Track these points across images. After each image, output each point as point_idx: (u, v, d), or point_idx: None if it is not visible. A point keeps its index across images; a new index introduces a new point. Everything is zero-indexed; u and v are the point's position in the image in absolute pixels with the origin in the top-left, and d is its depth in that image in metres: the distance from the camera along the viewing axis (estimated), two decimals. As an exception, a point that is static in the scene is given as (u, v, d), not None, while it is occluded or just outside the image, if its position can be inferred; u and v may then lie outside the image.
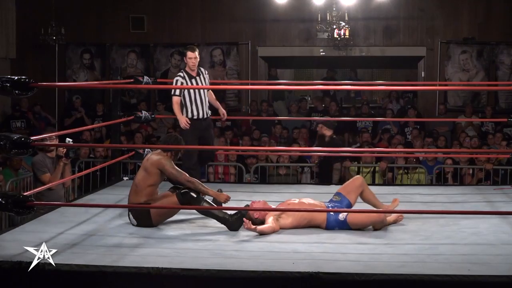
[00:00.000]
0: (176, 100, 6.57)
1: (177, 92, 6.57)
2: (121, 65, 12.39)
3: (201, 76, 6.64)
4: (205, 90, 6.64)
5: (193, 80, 6.58)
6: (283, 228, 5.13)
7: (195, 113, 6.59)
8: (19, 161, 8.50)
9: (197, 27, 12.68)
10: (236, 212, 5.17)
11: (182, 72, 6.63)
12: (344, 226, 5.12)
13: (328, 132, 7.58)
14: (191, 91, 6.57)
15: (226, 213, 5.18)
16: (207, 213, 5.23)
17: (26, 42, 12.51)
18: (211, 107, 6.85)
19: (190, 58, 6.57)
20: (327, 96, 12.50)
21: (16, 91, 4.37)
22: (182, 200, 5.15)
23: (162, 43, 12.78)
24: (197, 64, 6.62)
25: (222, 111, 6.93)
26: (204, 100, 6.63)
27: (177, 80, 6.58)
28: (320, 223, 5.17)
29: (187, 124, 6.50)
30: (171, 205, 5.19)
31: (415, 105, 12.28)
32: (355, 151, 9.04)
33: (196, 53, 6.59)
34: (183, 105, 6.61)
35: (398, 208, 5.58)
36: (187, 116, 6.56)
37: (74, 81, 12.77)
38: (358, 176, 6.04)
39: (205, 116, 6.66)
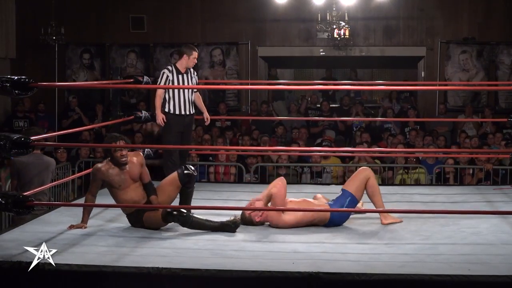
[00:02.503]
0: (159, 93, 6.59)
1: (162, 84, 6.59)
2: (121, 65, 12.38)
3: (189, 74, 6.65)
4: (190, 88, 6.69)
5: (180, 76, 6.57)
6: (285, 224, 5.14)
7: (177, 108, 6.59)
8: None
9: (197, 27, 12.68)
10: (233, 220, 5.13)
11: (171, 66, 6.64)
12: (346, 200, 5.22)
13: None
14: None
15: (219, 221, 5.11)
16: (200, 227, 5.10)
17: (26, 42, 12.51)
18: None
19: (195, 57, 6.57)
20: (325, 95, 12.56)
21: (16, 91, 4.37)
22: (167, 219, 5.05)
23: (162, 43, 12.77)
24: None
25: (207, 115, 6.92)
26: (188, 98, 6.63)
27: (163, 73, 6.58)
28: (323, 216, 5.18)
29: (162, 122, 6.55)
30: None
31: (414, 105, 12.26)
32: (355, 151, 9.05)
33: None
34: (166, 100, 6.61)
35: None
36: (169, 110, 6.57)
37: (74, 81, 12.76)
38: (364, 167, 5.61)
39: (188, 113, 6.67)
